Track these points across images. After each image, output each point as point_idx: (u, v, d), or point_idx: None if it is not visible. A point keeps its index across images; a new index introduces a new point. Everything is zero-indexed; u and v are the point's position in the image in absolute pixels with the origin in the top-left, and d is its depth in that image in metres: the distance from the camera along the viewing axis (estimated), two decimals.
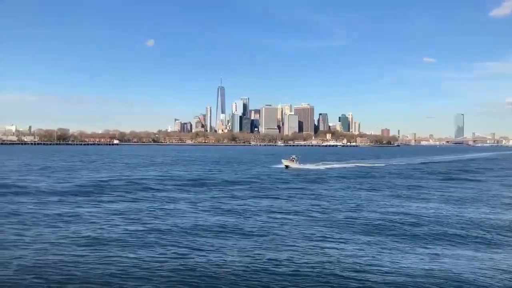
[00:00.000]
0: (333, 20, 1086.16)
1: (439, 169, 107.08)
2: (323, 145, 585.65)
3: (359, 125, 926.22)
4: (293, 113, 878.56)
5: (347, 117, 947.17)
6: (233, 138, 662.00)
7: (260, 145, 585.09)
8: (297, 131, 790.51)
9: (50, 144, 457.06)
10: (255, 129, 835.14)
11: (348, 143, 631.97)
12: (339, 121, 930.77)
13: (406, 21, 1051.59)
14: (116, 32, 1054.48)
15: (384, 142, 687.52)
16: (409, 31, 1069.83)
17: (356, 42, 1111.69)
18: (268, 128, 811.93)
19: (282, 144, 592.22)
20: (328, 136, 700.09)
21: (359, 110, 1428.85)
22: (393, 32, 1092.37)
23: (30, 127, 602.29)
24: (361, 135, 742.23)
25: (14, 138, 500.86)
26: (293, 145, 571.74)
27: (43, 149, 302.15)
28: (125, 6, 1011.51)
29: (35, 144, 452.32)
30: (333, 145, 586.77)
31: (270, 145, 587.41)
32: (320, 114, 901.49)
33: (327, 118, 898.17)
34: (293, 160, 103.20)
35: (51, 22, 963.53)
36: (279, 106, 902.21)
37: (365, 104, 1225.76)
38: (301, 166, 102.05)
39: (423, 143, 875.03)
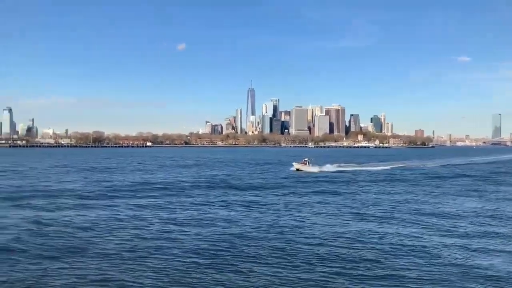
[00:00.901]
0: (363, 20, 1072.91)
1: (481, 169, 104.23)
2: (354, 147, 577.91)
3: (391, 125, 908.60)
4: (323, 114, 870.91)
5: (380, 118, 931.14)
6: (263, 140, 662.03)
7: (290, 146, 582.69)
8: (328, 132, 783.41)
9: (86, 146, 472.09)
10: (285, 130, 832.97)
11: (381, 144, 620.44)
12: (371, 122, 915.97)
13: (439, 20, 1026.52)
14: (147, 37, 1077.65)
15: (418, 143, 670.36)
16: (443, 30, 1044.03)
17: (388, 41, 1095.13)
18: (298, 130, 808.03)
19: (313, 146, 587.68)
20: (360, 137, 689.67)
21: (391, 111, 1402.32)
22: (425, 31, 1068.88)
23: (66, 130, 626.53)
24: (394, 136, 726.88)
25: (52, 141, 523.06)
26: (324, 147, 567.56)
27: (80, 151, 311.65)
28: (155, 11, 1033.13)
29: (71, 146, 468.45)
30: (365, 146, 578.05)
31: (301, 146, 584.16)
32: (352, 115, 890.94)
33: (359, 119, 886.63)
34: (305, 163, 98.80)
35: (82, 24, 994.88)
36: (310, 107, 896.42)
37: (398, 105, 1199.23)
38: (315, 169, 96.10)
39: (459, 143, 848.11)
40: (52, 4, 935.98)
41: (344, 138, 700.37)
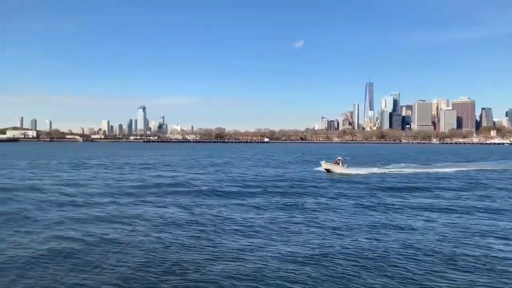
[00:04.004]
0: (494, 7, 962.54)
1: None
2: (486, 143, 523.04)
3: None
4: (450, 108, 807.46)
5: None
6: (382, 136, 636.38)
7: (411, 142, 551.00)
8: (455, 127, 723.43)
9: (209, 142, 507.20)
10: (407, 126, 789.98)
11: None
12: (506, 116, 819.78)
13: None
14: (266, 36, 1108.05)
15: None
16: None
17: None
18: (421, 125, 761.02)
19: (438, 142, 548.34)
20: (493, 133, 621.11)
21: None
22: None
23: (192, 127, 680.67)
24: None
25: (179, 137, 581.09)
26: (450, 143, 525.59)
27: (204, 146, 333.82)
28: (271, 12, 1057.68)
29: (196, 142, 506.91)
30: (499, 143, 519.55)
31: (424, 143, 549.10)
32: (483, 108, 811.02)
33: (491, 113, 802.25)
34: (338, 163, 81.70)
35: (201, 29, 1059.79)
36: (434, 101, 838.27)
37: None
38: (350, 170, 78.83)
39: None
40: (178, 9, 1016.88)
41: (474, 134, 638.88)
